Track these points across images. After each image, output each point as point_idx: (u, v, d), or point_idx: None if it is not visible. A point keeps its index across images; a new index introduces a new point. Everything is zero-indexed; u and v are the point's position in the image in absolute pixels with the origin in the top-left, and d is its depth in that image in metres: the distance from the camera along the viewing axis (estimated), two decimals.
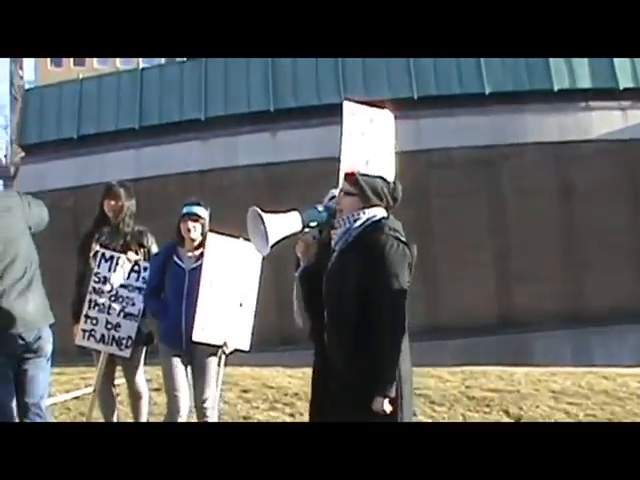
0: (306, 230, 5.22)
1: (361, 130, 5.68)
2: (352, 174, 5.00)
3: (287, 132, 19.47)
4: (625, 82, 20.16)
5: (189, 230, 6.52)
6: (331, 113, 19.23)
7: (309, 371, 10.04)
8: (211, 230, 6.53)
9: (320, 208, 5.25)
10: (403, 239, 4.73)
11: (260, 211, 5.20)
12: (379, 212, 4.82)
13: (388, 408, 4.51)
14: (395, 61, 20.21)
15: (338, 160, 5.18)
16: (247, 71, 20.41)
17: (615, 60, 20.06)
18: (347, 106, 5.62)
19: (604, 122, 19.75)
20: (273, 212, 5.20)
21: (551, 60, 19.90)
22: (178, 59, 21.00)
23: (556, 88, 19.93)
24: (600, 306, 18.15)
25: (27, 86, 22.08)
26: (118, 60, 42.84)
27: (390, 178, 5.51)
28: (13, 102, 23.40)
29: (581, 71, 20.18)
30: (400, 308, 4.59)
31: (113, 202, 7.05)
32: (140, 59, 33.94)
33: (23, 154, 20.65)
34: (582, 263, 18.81)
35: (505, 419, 7.93)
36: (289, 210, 5.05)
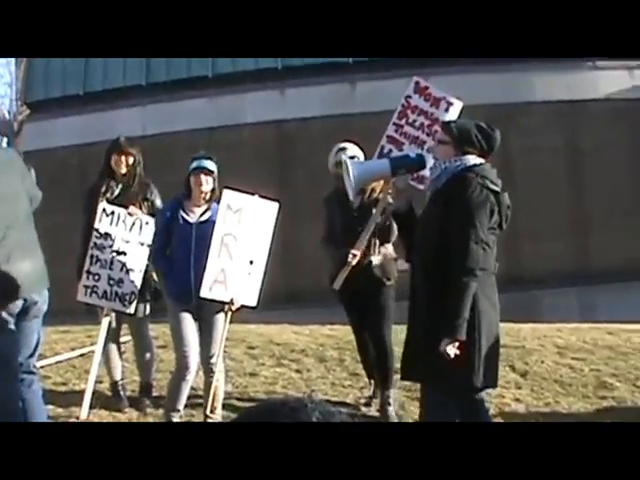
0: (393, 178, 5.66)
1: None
2: (445, 123, 5.21)
3: (295, 90, 19.34)
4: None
5: (201, 184, 6.52)
6: (339, 71, 19.24)
7: (315, 328, 10.15)
8: (227, 187, 6.53)
9: (412, 155, 5.72)
10: (493, 187, 4.87)
11: (347, 158, 5.53)
12: (472, 159, 4.93)
13: (453, 352, 4.58)
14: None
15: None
16: None
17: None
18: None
19: (610, 81, 19.59)
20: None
21: None
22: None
23: None
24: (606, 264, 18.13)
25: None
26: None
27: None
28: (18, 59, 23.16)
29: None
30: (472, 253, 4.69)
31: (124, 157, 7.03)
32: None
33: (28, 111, 20.53)
34: (588, 221, 18.77)
35: (511, 374, 7.98)
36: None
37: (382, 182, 6.19)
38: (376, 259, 6.63)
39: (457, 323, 4.60)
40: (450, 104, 6.41)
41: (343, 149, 6.80)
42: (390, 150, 6.36)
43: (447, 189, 4.90)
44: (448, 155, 4.96)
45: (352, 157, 6.18)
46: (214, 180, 6.61)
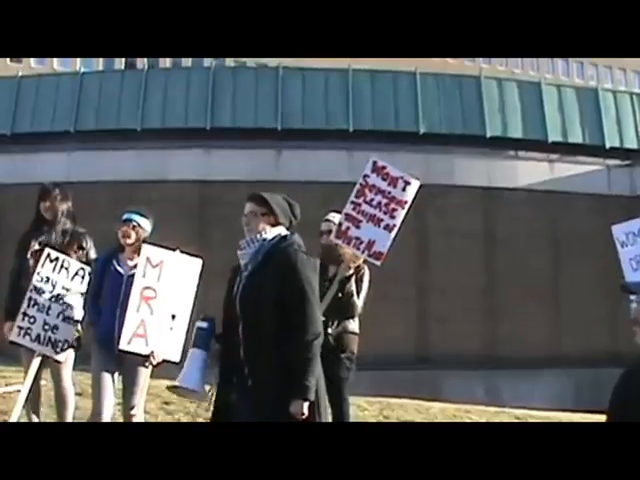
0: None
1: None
2: (258, 195, 5.17)
3: (221, 151, 19.52)
4: (554, 136, 20.75)
5: (123, 236, 6.59)
6: (267, 136, 19.51)
7: None
8: (145, 241, 6.59)
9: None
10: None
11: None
12: (282, 230, 5.08)
13: (306, 411, 4.74)
14: (332, 91, 20.47)
15: None
16: (187, 86, 20.46)
17: (546, 114, 20.68)
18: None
19: (530, 172, 20.27)
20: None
21: (486, 107, 20.41)
22: (117, 68, 20.74)
23: (488, 135, 20.41)
24: (514, 350, 18.54)
25: None
26: (56, 61, 42.31)
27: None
28: None
29: (513, 121, 20.71)
30: (317, 318, 4.87)
31: (48, 203, 7.02)
32: (79, 63, 33.72)
33: None
34: (500, 307, 19.21)
35: None
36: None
37: (352, 257, 6.46)
38: (333, 330, 6.74)
39: (309, 385, 4.77)
40: (407, 183, 6.72)
41: (328, 220, 6.92)
42: (348, 227, 6.52)
43: (273, 260, 4.97)
44: (263, 227, 5.05)
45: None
46: (137, 233, 6.66)
